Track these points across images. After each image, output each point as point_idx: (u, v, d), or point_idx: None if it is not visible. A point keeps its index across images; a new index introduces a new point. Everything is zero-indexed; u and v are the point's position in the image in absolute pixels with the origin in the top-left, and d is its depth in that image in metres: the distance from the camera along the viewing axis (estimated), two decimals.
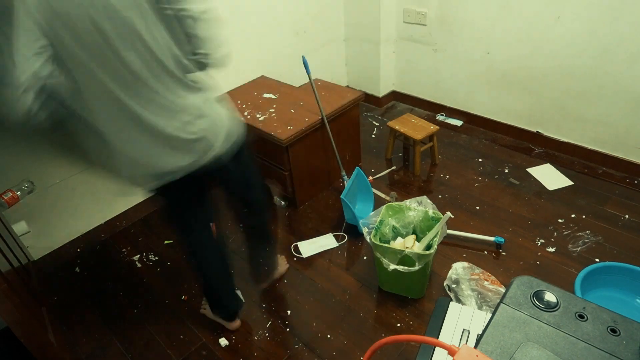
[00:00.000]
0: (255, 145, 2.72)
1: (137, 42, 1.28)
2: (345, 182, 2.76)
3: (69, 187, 3.21)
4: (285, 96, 2.82)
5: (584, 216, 2.47)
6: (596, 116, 2.71)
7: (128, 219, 2.82)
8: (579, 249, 2.29)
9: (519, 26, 2.78)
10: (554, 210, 2.53)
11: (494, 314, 0.86)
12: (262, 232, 2.13)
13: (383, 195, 2.74)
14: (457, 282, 2.08)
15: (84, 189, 3.17)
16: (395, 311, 2.08)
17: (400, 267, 1.92)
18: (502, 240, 2.32)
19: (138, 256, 2.54)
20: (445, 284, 2.14)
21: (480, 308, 1.93)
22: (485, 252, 2.32)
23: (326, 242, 2.48)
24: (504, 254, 2.29)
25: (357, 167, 2.52)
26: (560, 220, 2.46)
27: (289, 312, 2.14)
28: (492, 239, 2.34)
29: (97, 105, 1.35)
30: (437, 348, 1.30)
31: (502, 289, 2.01)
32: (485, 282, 2.04)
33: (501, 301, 0.88)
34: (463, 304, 1.95)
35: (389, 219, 2.17)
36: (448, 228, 2.35)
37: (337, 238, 2.50)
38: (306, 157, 2.63)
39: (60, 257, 2.60)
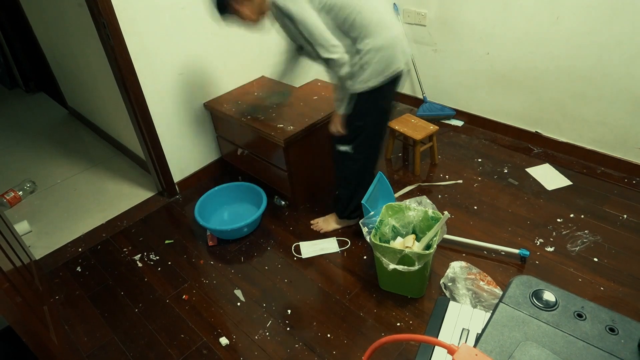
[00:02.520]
0: (255, 145, 2.73)
1: None
2: None
3: (70, 187, 3.23)
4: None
5: (582, 216, 2.48)
6: (595, 116, 2.72)
7: (129, 219, 2.83)
8: (577, 248, 2.30)
9: (518, 26, 2.78)
10: (552, 210, 2.54)
11: (493, 313, 0.87)
12: None
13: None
14: (453, 280, 2.09)
15: (86, 188, 3.19)
16: (395, 310, 2.09)
17: (400, 267, 1.92)
18: (527, 253, 2.23)
19: (139, 256, 2.55)
20: (441, 282, 2.15)
21: (474, 307, 1.94)
22: (485, 251, 2.32)
23: (328, 245, 2.48)
24: (502, 253, 2.30)
25: (379, 172, 2.48)
26: (559, 220, 2.47)
27: (289, 311, 2.15)
28: (516, 251, 2.25)
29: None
30: (436, 347, 1.31)
31: (498, 290, 2.02)
32: (481, 282, 2.05)
33: (500, 300, 0.89)
34: (458, 302, 1.96)
35: (389, 218, 2.17)
36: (465, 237, 2.36)
37: (340, 242, 2.50)
38: (306, 157, 2.63)
39: (62, 257, 2.60)
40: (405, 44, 2.06)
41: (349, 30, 1.95)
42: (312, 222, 2.62)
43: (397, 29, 2.03)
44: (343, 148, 2.23)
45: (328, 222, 2.58)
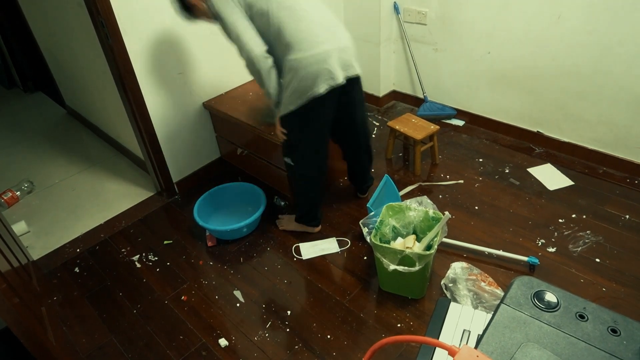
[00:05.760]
0: (255, 145, 2.72)
1: None
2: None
3: (68, 187, 3.22)
4: None
5: (584, 216, 2.46)
6: (597, 116, 2.71)
7: (128, 219, 2.82)
8: (579, 249, 2.28)
9: (519, 26, 2.77)
10: (554, 210, 2.52)
11: (494, 314, 0.86)
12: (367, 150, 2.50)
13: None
14: (454, 281, 2.08)
15: (84, 188, 3.18)
16: (395, 311, 2.08)
17: (400, 268, 1.91)
18: (537, 261, 2.18)
19: (137, 256, 2.54)
20: (442, 282, 2.14)
21: (475, 308, 1.93)
22: (486, 252, 2.31)
23: (328, 246, 2.46)
24: (510, 261, 2.29)
25: (385, 175, 2.46)
26: (560, 221, 2.45)
27: (289, 312, 2.14)
28: (525, 258, 2.20)
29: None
30: (437, 348, 1.30)
31: (499, 291, 2.01)
32: (482, 283, 2.03)
33: (502, 301, 0.88)
34: (458, 303, 1.95)
35: (389, 219, 2.16)
36: (467, 238, 2.35)
37: (340, 243, 2.49)
38: None
39: (60, 257, 2.59)
40: (335, 63, 1.89)
41: (276, 40, 1.89)
42: (279, 216, 2.64)
43: (328, 45, 1.89)
44: (286, 159, 2.25)
45: (289, 222, 2.58)
